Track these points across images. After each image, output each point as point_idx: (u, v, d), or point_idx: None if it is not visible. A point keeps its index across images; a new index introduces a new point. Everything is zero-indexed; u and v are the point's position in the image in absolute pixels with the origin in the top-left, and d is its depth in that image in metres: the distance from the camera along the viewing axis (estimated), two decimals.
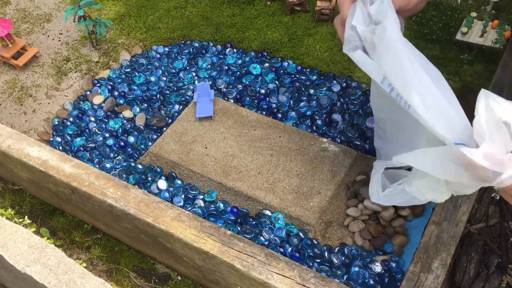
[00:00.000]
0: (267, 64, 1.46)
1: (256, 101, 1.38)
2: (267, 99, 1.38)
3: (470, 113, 1.34)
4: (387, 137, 0.98)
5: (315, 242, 1.08)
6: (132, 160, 1.27)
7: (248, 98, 1.38)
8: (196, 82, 1.45)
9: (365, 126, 1.28)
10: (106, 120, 1.38)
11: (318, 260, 1.05)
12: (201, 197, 1.17)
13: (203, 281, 1.05)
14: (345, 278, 1.02)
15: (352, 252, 1.06)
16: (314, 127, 1.30)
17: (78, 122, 1.38)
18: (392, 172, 0.89)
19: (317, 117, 1.31)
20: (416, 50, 0.76)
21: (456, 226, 0.93)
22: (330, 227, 1.11)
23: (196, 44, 1.55)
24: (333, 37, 1.52)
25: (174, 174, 1.20)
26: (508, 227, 1.05)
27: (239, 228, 1.11)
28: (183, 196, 1.17)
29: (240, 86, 1.42)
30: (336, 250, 1.07)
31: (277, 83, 1.41)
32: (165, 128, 1.34)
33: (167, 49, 1.55)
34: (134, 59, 1.54)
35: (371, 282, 1.01)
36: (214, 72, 1.46)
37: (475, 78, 1.35)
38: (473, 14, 1.47)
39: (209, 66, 1.49)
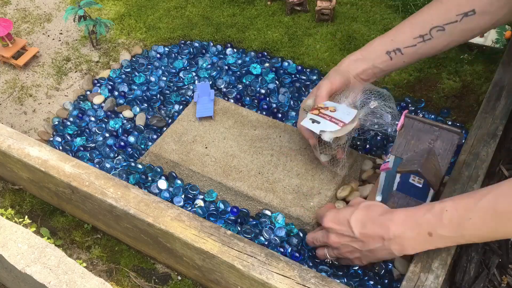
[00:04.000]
0: (267, 64, 1.46)
1: (256, 101, 1.38)
2: (267, 99, 1.38)
3: (469, 112, 1.35)
4: None
5: None
6: (132, 160, 1.27)
7: (248, 98, 1.38)
8: (196, 82, 1.45)
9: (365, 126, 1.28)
10: (106, 120, 1.38)
11: (318, 260, 1.05)
12: (201, 197, 1.17)
13: (203, 281, 1.05)
14: (345, 278, 1.02)
15: None
16: None
17: (78, 122, 1.38)
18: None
19: None
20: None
21: None
22: None
23: (196, 44, 1.55)
24: (333, 37, 1.52)
25: (174, 174, 1.20)
26: None
27: (239, 228, 1.11)
28: (183, 196, 1.17)
29: (240, 86, 1.42)
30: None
31: (277, 83, 1.41)
32: (165, 128, 1.34)
33: (167, 49, 1.55)
34: (134, 59, 1.54)
35: (371, 282, 1.01)
36: (214, 72, 1.46)
37: (475, 78, 1.35)
38: None
39: (209, 66, 1.49)
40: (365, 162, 1.20)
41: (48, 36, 1.65)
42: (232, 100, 1.38)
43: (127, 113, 1.39)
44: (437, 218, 0.83)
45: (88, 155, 1.30)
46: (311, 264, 1.05)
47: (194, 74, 1.47)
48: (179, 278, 1.11)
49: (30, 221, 1.20)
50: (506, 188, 0.79)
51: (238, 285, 0.94)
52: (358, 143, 1.25)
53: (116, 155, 1.29)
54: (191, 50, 1.53)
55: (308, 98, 1.12)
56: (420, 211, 0.86)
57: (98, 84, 1.48)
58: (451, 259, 0.89)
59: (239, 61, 1.48)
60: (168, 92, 1.43)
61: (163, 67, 1.50)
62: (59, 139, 1.34)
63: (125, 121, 1.37)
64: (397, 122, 1.00)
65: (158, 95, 1.42)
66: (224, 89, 1.41)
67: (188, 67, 1.49)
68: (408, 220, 0.87)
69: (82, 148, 1.32)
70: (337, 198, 1.13)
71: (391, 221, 0.88)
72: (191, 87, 1.43)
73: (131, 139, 1.32)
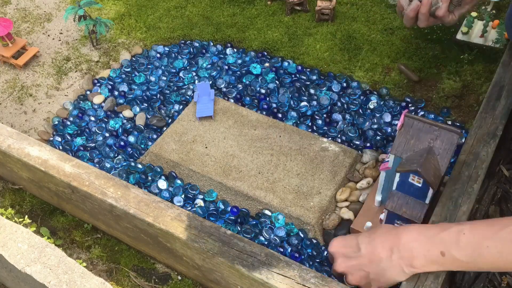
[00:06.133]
0: (267, 64, 1.46)
1: (256, 100, 1.38)
2: (267, 99, 1.38)
3: (469, 112, 1.35)
4: None
5: (315, 242, 1.08)
6: (132, 159, 1.27)
7: (248, 98, 1.38)
8: (196, 81, 1.45)
9: (365, 126, 1.28)
10: (106, 120, 1.38)
11: (318, 260, 1.05)
12: (201, 196, 1.17)
13: (203, 280, 1.05)
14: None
15: None
16: (314, 127, 1.30)
17: (78, 122, 1.38)
18: None
19: (317, 117, 1.31)
20: None
21: None
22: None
23: (196, 44, 1.55)
24: (334, 37, 1.52)
25: (174, 173, 1.20)
26: None
27: (239, 228, 1.11)
28: (183, 195, 1.17)
29: (240, 86, 1.42)
30: None
31: (277, 83, 1.41)
32: (165, 128, 1.34)
33: (167, 48, 1.55)
34: (134, 58, 1.54)
35: None
36: (214, 72, 1.46)
37: (475, 77, 1.35)
38: (474, 14, 1.47)
39: (209, 65, 1.49)
40: (366, 151, 1.19)
41: (48, 35, 1.65)
42: (232, 100, 1.38)
43: (127, 113, 1.39)
44: (453, 239, 0.80)
45: (88, 154, 1.30)
46: (311, 263, 1.05)
47: (194, 74, 1.47)
48: (179, 278, 1.11)
49: (30, 221, 1.20)
50: None
51: (238, 285, 0.94)
52: (357, 142, 1.25)
53: (116, 155, 1.29)
54: (191, 50, 1.53)
55: None
56: (434, 229, 0.83)
57: (98, 84, 1.48)
58: None
59: (239, 61, 1.48)
60: (168, 92, 1.43)
61: (163, 67, 1.50)
62: (59, 138, 1.34)
63: (125, 121, 1.37)
64: None
65: (158, 95, 1.42)
66: (224, 89, 1.41)
67: (188, 67, 1.49)
68: (420, 235, 0.83)
69: (82, 148, 1.32)
70: (337, 200, 1.13)
71: (402, 232, 0.85)
72: (191, 87, 1.43)
73: (131, 139, 1.32)
